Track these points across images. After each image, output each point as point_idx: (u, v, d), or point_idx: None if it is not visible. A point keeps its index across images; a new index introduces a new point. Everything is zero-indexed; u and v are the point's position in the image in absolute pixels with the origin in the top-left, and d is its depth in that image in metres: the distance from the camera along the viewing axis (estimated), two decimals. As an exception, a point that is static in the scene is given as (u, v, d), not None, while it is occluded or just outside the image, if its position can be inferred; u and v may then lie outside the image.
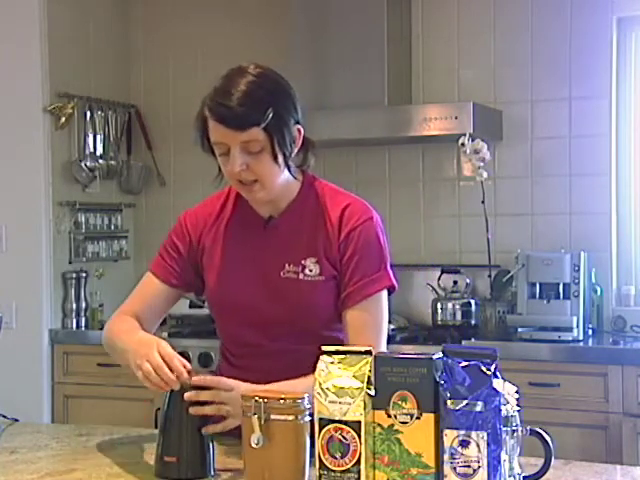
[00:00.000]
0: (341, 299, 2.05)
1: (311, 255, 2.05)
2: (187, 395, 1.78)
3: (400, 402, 1.55)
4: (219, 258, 2.11)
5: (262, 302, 2.06)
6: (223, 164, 1.99)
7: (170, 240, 2.18)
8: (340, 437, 1.57)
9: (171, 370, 1.81)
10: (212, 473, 1.81)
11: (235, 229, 2.12)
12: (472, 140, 3.78)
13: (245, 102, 1.91)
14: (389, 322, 2.12)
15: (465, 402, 1.51)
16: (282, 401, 1.64)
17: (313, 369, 1.64)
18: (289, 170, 2.04)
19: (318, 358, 1.64)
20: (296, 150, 2.03)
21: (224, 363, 2.19)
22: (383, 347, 2.05)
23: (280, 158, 1.97)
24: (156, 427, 1.86)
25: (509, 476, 1.55)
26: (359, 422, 1.56)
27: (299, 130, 2.02)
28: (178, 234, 2.17)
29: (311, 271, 2.04)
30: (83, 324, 4.46)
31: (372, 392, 1.58)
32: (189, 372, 1.82)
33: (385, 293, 2.06)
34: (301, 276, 2.04)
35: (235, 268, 2.10)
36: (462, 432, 1.51)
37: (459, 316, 4.03)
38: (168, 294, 2.17)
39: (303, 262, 2.05)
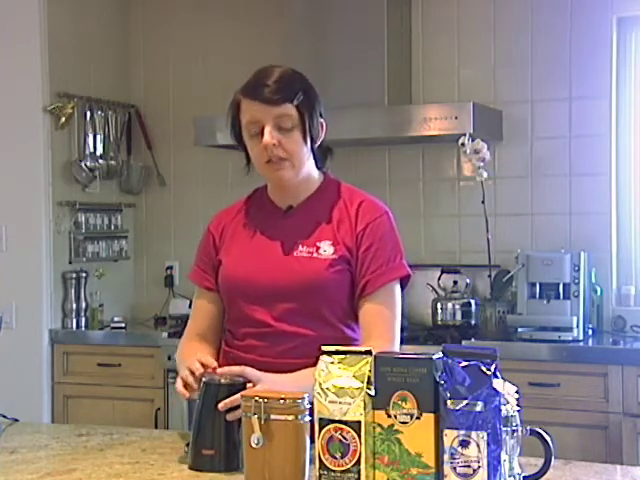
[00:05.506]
0: (359, 288, 2.10)
1: (327, 239, 2.11)
2: (221, 406, 1.84)
3: (400, 402, 1.56)
4: (236, 244, 2.18)
5: (270, 276, 2.10)
6: (254, 147, 2.08)
7: (200, 247, 2.26)
8: (340, 437, 1.57)
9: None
10: (240, 467, 1.81)
11: (254, 218, 2.20)
12: (472, 140, 3.78)
13: (280, 81, 2.06)
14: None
15: (465, 402, 1.51)
16: (282, 401, 1.64)
17: (315, 358, 1.64)
18: (314, 157, 2.13)
19: (320, 348, 1.64)
20: (319, 142, 2.13)
21: (225, 348, 2.20)
22: (398, 336, 2.10)
23: (308, 138, 2.08)
24: (156, 427, 1.87)
25: (509, 476, 1.55)
26: (359, 422, 1.56)
27: (321, 124, 2.14)
28: (205, 239, 2.25)
29: (325, 251, 2.10)
30: (83, 324, 4.46)
31: (372, 392, 1.58)
32: (214, 369, 1.92)
33: (399, 286, 2.13)
34: (315, 255, 2.10)
35: (250, 250, 2.16)
36: (462, 432, 1.51)
37: (459, 316, 4.03)
38: (214, 299, 2.22)
39: (318, 244, 2.11)
